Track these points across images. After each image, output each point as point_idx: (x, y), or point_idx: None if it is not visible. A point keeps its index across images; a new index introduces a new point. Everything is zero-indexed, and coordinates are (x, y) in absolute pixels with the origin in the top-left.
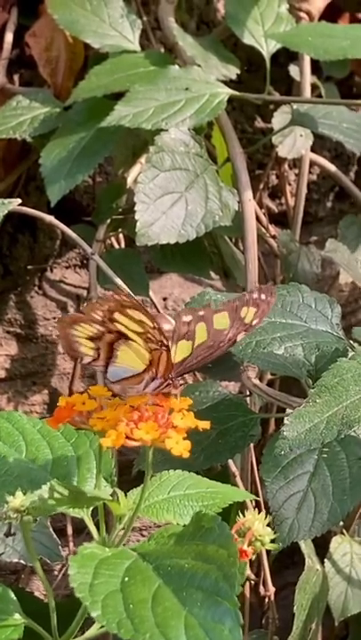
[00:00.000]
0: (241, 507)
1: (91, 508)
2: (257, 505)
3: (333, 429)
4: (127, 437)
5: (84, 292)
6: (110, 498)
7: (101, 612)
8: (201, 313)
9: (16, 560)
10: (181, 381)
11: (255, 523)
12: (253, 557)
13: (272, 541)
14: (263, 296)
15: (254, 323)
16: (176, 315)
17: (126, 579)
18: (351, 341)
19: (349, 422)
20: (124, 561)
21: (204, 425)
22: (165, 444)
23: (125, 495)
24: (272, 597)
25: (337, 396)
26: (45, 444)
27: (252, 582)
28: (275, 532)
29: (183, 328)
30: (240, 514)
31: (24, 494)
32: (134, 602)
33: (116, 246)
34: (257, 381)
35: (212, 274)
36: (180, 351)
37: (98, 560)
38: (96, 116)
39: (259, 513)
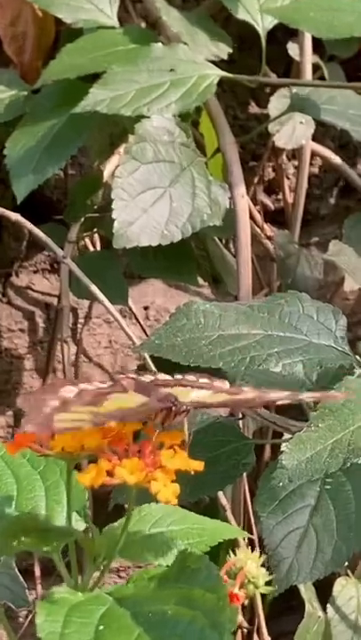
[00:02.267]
0: (232, 545)
1: (61, 547)
2: (250, 543)
3: (338, 458)
4: (107, 473)
5: (54, 301)
6: (83, 535)
7: None
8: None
9: None
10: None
11: (247, 562)
12: (246, 602)
13: (268, 583)
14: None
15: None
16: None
17: (101, 627)
18: (358, 357)
19: (357, 449)
20: (98, 607)
21: (197, 466)
22: (151, 486)
23: (101, 532)
24: None
25: (343, 420)
26: (9, 472)
27: (245, 630)
28: (271, 574)
29: (234, 389)
30: (231, 553)
31: None
32: None
33: (91, 248)
34: None
35: (200, 280)
36: (214, 397)
37: (69, 606)
38: (69, 101)
39: (252, 551)
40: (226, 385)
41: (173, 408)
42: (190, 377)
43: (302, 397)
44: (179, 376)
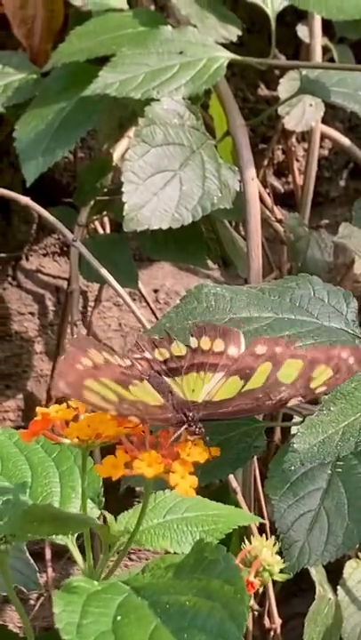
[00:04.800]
0: (244, 529)
1: (76, 534)
2: (261, 526)
3: (350, 441)
4: (125, 465)
5: (64, 284)
6: (98, 523)
7: None
8: (278, 349)
9: None
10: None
11: (263, 550)
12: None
13: (282, 570)
14: (351, 360)
15: (318, 390)
16: (253, 341)
17: (119, 617)
18: None
19: None
20: (115, 596)
21: (215, 452)
22: (169, 478)
23: (115, 519)
24: (278, 630)
25: (354, 403)
26: (23, 459)
27: (256, 613)
28: (283, 558)
29: (247, 360)
30: (244, 539)
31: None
32: None
33: (101, 231)
34: None
35: (210, 263)
36: (224, 390)
37: (86, 595)
38: (78, 84)
39: (262, 534)
40: (241, 346)
41: (186, 426)
42: (206, 341)
43: (313, 387)
44: (194, 342)
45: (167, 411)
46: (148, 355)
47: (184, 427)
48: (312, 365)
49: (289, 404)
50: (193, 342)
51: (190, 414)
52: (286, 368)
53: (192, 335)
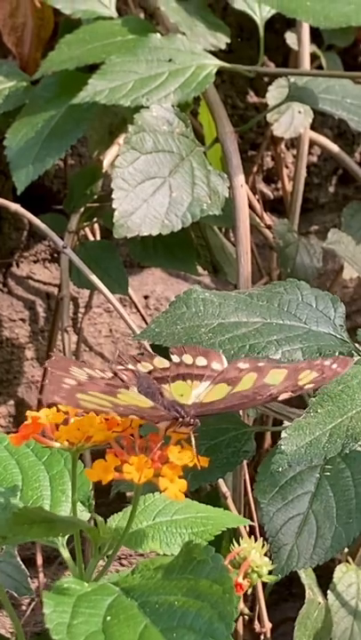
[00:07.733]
0: (234, 532)
1: (66, 537)
2: (251, 530)
3: (337, 443)
4: (115, 469)
5: (55, 290)
6: (88, 525)
7: None
8: (260, 364)
9: None
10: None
11: (252, 552)
12: (248, 590)
13: (270, 572)
14: (335, 365)
15: (306, 387)
16: (234, 360)
17: (109, 618)
18: (356, 345)
19: (355, 435)
20: (105, 597)
21: (203, 462)
22: (158, 482)
23: (105, 521)
24: (268, 634)
25: (341, 405)
26: (14, 462)
27: (246, 617)
28: (272, 561)
29: (232, 373)
30: (233, 541)
31: None
32: None
33: (91, 238)
34: None
35: (200, 269)
36: (213, 393)
37: (76, 596)
38: (68, 92)
39: (253, 538)
40: (223, 363)
41: (180, 420)
42: (188, 357)
43: (301, 385)
44: (176, 358)
45: (159, 410)
46: (131, 366)
47: (179, 421)
48: (297, 372)
49: (280, 398)
50: (175, 358)
51: (182, 411)
52: (271, 376)
53: (173, 353)
